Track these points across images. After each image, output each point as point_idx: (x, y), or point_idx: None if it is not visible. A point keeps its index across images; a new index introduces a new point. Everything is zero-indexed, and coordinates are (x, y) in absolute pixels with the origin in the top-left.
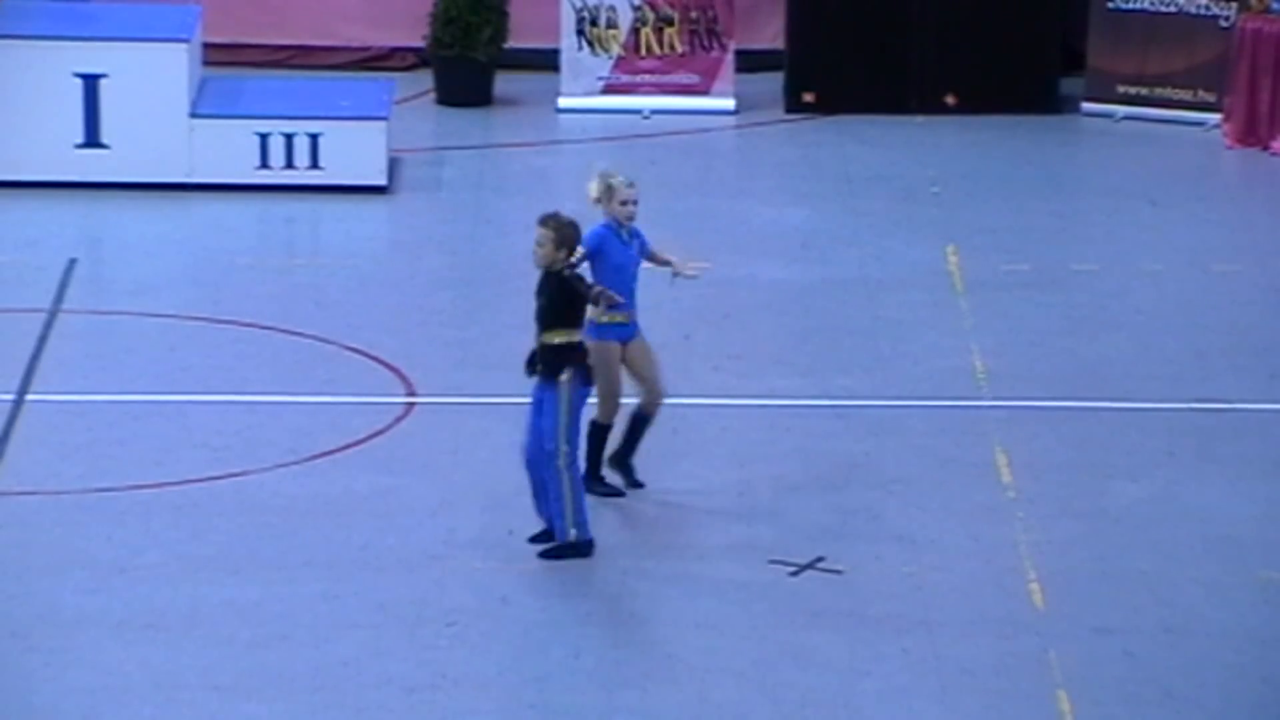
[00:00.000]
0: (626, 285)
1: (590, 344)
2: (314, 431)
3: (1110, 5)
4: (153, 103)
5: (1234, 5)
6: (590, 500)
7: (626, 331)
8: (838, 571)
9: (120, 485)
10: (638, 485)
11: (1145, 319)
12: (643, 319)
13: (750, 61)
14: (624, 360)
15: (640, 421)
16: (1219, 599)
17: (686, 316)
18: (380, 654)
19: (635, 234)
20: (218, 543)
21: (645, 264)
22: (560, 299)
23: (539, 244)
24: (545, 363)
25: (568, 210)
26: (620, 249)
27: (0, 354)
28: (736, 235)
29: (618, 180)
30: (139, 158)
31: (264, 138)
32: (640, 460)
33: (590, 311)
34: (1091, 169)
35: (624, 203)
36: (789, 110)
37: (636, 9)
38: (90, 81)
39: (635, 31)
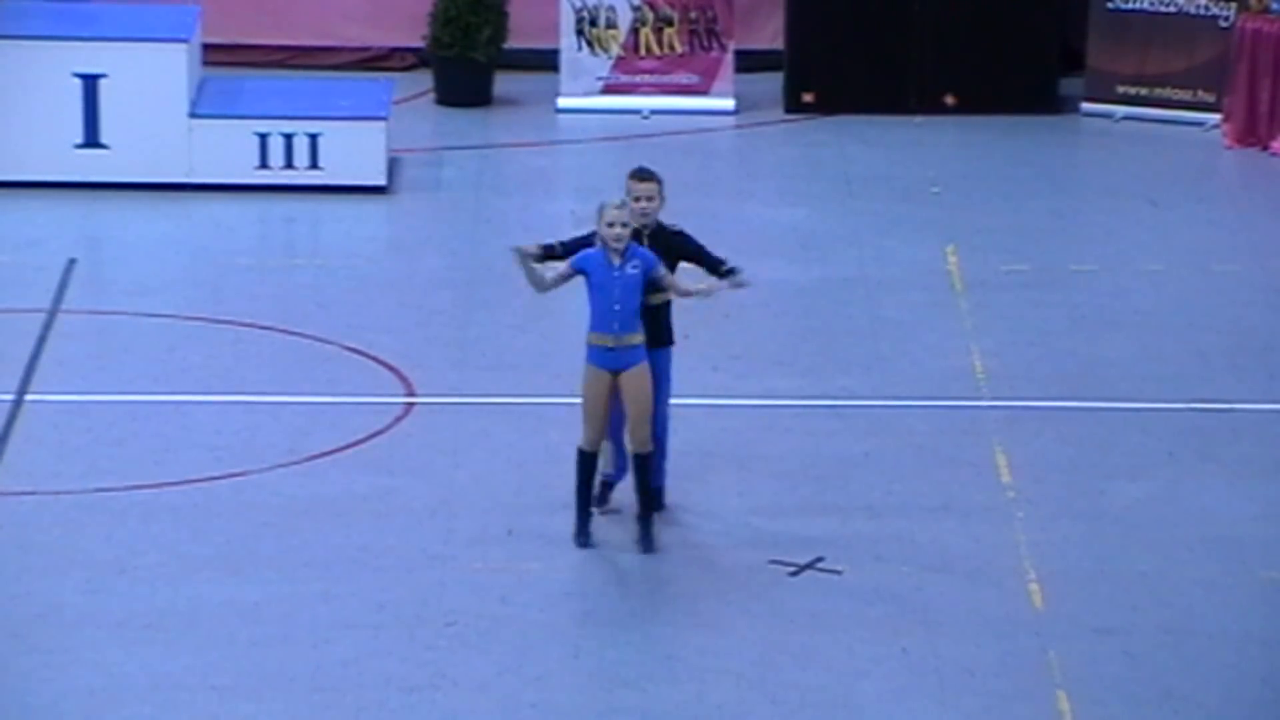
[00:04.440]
0: (608, 307)
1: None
2: (313, 431)
3: (1110, 5)
4: (152, 103)
5: (1234, 5)
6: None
7: (613, 358)
8: (838, 571)
9: (120, 485)
10: (648, 547)
11: (1145, 319)
12: None
13: (750, 61)
14: (618, 391)
15: (636, 461)
16: (1219, 599)
17: (686, 316)
18: (380, 654)
19: (634, 254)
20: (218, 543)
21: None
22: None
23: (650, 198)
24: None
25: (567, 211)
26: (602, 268)
27: (0, 354)
28: (736, 235)
29: (608, 201)
30: (139, 158)
31: (263, 138)
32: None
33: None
34: (1091, 169)
35: (610, 224)
36: (789, 110)
37: (636, 9)
38: (90, 81)
39: (635, 31)
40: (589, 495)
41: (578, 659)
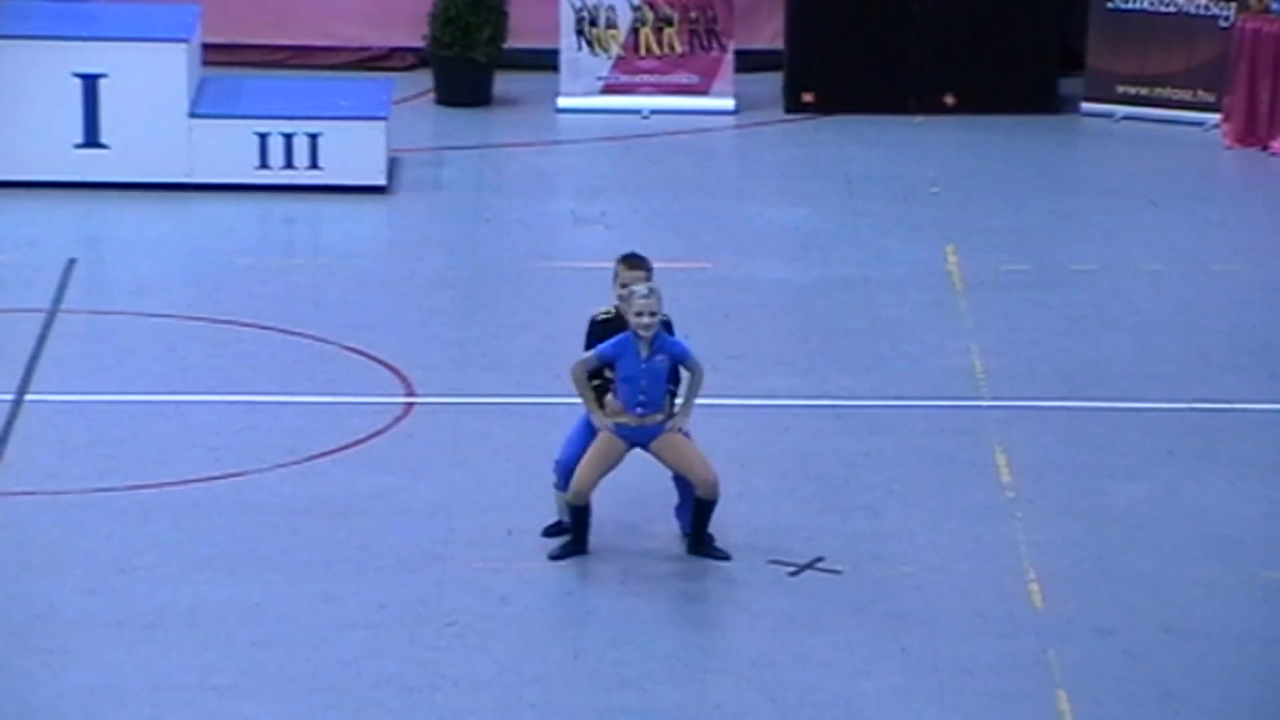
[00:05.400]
0: (633, 395)
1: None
2: (313, 431)
3: (1110, 5)
4: (152, 103)
5: (1233, 5)
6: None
7: (636, 434)
8: (837, 571)
9: (120, 485)
10: (723, 555)
11: (1145, 319)
12: None
13: (750, 61)
14: (659, 459)
15: (697, 505)
16: (1219, 599)
17: (686, 316)
18: (380, 654)
19: (662, 346)
20: (217, 543)
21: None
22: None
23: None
24: None
25: (567, 211)
26: (631, 360)
27: (0, 354)
28: (736, 235)
29: (636, 288)
30: (139, 158)
31: (263, 138)
32: (637, 459)
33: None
34: (1091, 169)
35: (638, 314)
36: (788, 110)
37: (636, 9)
38: (90, 81)
39: (635, 31)
40: (586, 537)
41: (578, 659)
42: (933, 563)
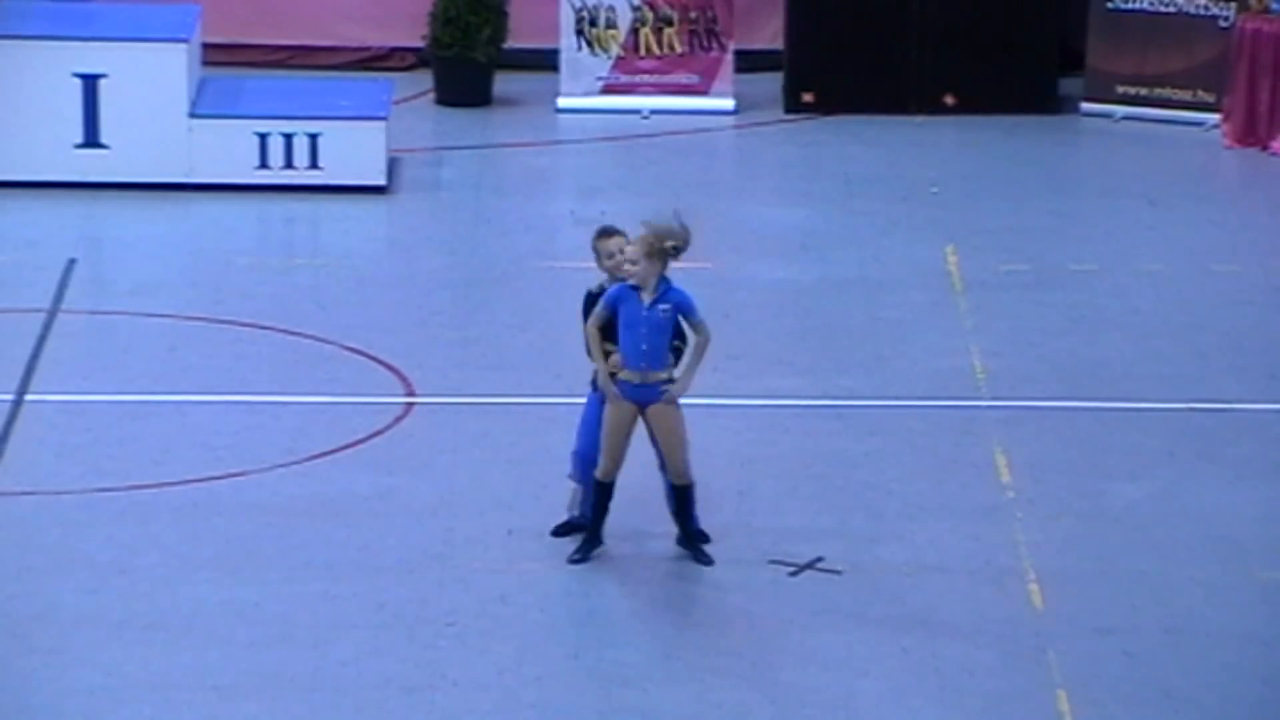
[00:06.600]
0: (635, 345)
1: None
2: (313, 432)
3: (1110, 5)
4: (152, 103)
5: (1233, 5)
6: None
7: (640, 392)
8: (838, 571)
9: (120, 485)
10: (705, 560)
11: (1145, 319)
12: None
13: (749, 61)
14: (647, 425)
15: (673, 493)
16: (1219, 599)
17: None
18: (380, 654)
19: (667, 295)
20: (217, 543)
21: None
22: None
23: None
24: None
25: (567, 211)
26: (632, 305)
27: (0, 354)
28: (736, 235)
29: (627, 251)
30: (139, 158)
31: (263, 138)
32: (638, 460)
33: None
34: (1091, 169)
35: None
36: (788, 110)
37: (636, 9)
38: (90, 81)
39: (634, 31)
40: (602, 522)
41: (578, 659)
42: (933, 563)
